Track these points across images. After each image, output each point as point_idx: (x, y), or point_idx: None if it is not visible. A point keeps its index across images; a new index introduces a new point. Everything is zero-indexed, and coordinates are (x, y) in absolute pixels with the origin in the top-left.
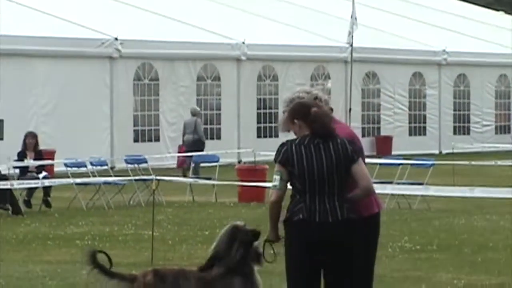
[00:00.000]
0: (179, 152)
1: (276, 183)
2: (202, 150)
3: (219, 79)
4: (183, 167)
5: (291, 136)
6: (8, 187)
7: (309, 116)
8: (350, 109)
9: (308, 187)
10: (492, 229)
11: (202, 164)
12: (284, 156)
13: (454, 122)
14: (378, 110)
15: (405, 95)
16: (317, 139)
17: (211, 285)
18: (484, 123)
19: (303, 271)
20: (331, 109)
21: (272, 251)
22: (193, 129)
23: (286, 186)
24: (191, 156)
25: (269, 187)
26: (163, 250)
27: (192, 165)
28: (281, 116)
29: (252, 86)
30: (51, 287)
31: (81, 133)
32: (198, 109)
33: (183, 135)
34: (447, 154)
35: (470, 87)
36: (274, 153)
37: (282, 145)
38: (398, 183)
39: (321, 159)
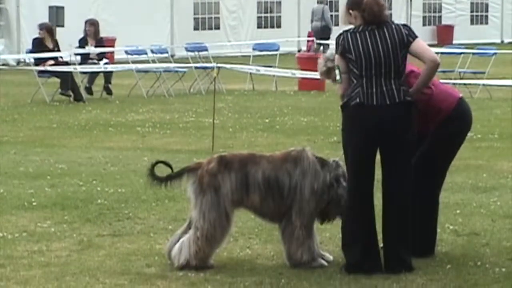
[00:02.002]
0: (308, 37)
1: (338, 77)
2: (328, 37)
3: None
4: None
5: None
6: (71, 70)
7: (362, 5)
8: None
9: (364, 71)
10: None
11: (262, 53)
12: (341, 45)
13: None
14: None
15: None
16: (371, 26)
17: (293, 162)
18: None
19: (362, 155)
20: None
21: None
22: (321, 16)
23: (349, 78)
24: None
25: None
26: (224, 137)
27: (320, 52)
28: (342, 5)
29: None
30: (113, 173)
31: (141, 21)
32: None
33: (311, 22)
34: (509, 43)
35: None
36: (334, 42)
37: (339, 36)
38: (460, 72)
39: (377, 44)
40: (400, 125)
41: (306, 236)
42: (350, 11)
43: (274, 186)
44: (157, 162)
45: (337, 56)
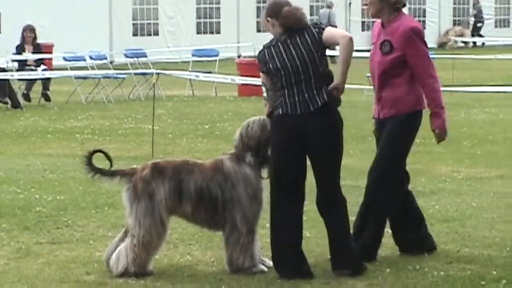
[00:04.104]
0: None
1: (265, 94)
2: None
3: None
4: None
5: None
6: (8, 77)
7: (280, 14)
8: (350, 3)
9: (285, 82)
10: (492, 122)
11: (201, 58)
12: (261, 62)
13: (454, 15)
14: None
15: None
16: (283, 36)
17: (222, 175)
18: (485, 16)
19: (290, 162)
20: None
21: None
22: (327, 20)
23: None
24: None
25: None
26: (164, 144)
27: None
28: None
29: None
30: (52, 180)
31: (79, 27)
32: (332, 1)
33: None
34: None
35: None
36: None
37: (259, 53)
38: None
39: (291, 53)
40: (326, 127)
41: (251, 243)
42: (268, 18)
43: (206, 198)
44: (99, 151)
45: (261, 74)
